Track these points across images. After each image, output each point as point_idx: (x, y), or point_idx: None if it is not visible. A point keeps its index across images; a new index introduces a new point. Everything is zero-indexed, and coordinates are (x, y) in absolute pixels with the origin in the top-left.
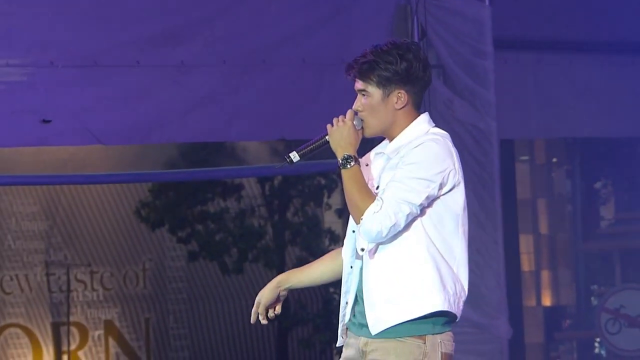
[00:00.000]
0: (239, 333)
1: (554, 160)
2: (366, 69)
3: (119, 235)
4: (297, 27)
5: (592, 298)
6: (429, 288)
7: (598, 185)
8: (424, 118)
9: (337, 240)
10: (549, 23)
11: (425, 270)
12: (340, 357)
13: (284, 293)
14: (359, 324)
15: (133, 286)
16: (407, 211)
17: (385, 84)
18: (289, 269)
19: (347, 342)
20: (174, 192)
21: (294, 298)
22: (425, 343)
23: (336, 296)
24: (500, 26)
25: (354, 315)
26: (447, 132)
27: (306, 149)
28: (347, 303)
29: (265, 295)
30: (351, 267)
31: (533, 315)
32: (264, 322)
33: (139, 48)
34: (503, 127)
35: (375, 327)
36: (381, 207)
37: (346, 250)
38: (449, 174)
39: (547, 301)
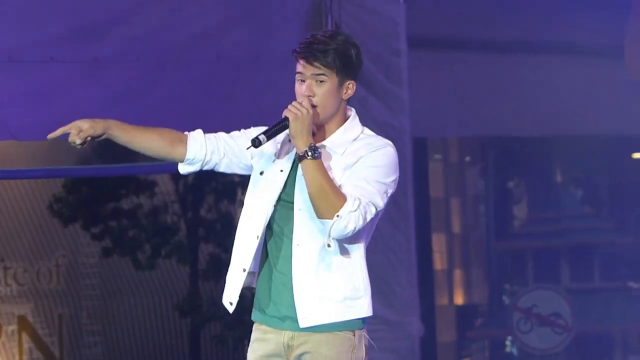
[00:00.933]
0: (152, 329)
1: (467, 159)
2: (329, 53)
3: (32, 231)
4: (211, 24)
5: (505, 297)
6: (364, 291)
7: (511, 184)
8: (355, 114)
9: None
10: (465, 22)
11: (361, 274)
12: (251, 349)
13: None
14: (282, 316)
15: (47, 282)
16: (373, 213)
17: (344, 72)
18: (202, 265)
19: (264, 337)
20: (88, 187)
21: (206, 294)
22: (354, 336)
23: (248, 293)
24: (416, 25)
25: (269, 306)
26: None
27: (270, 133)
28: (245, 272)
29: (96, 127)
30: (278, 251)
31: (445, 313)
32: (78, 141)
33: (53, 44)
34: (417, 125)
35: (305, 321)
36: (358, 206)
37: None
38: (396, 182)
39: (459, 300)
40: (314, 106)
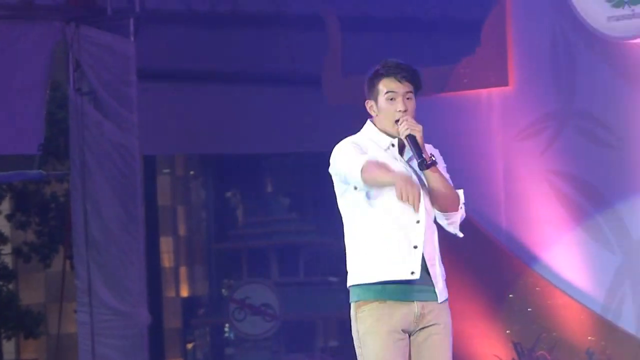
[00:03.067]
0: None
1: (192, 173)
2: (417, 76)
3: None
4: None
5: (223, 290)
6: None
7: (229, 194)
8: None
9: (5, 241)
10: (186, 56)
11: None
12: None
13: None
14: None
15: None
16: None
17: (418, 91)
18: None
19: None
20: None
21: None
22: None
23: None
24: (145, 58)
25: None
26: (98, 150)
27: (418, 153)
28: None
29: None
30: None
31: (172, 304)
32: None
33: None
34: (147, 144)
35: (443, 295)
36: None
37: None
38: None
39: (184, 293)
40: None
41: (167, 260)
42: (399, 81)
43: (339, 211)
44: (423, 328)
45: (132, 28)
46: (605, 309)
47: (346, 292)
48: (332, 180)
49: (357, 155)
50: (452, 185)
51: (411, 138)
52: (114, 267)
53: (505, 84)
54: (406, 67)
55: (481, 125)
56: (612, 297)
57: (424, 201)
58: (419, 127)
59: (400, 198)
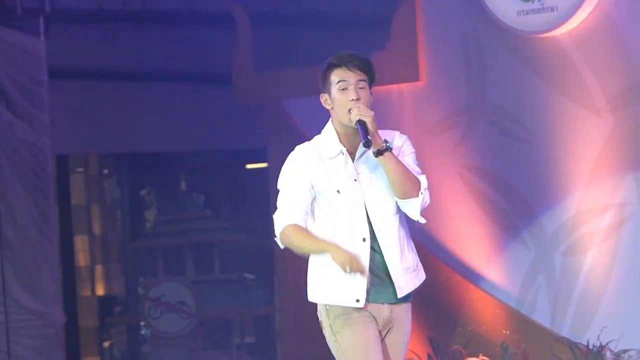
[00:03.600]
0: None
1: (106, 171)
2: (369, 65)
3: None
4: None
5: (139, 289)
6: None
7: (143, 192)
8: None
9: None
10: (98, 55)
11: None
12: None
13: None
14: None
15: None
16: None
17: (372, 82)
18: None
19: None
20: None
21: None
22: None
23: None
24: (57, 58)
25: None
26: (10, 150)
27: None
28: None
29: None
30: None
31: (88, 303)
32: None
33: None
34: (60, 143)
35: (404, 291)
36: (425, 183)
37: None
38: None
39: (100, 291)
40: None
41: (82, 259)
42: (350, 70)
43: (253, 207)
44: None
45: (42, 27)
46: (519, 302)
47: (261, 288)
48: (246, 177)
49: (286, 207)
50: (416, 171)
51: (361, 124)
52: (28, 267)
53: (416, 79)
54: (357, 56)
55: (392, 121)
56: (526, 291)
57: (378, 197)
58: (370, 113)
59: (345, 270)
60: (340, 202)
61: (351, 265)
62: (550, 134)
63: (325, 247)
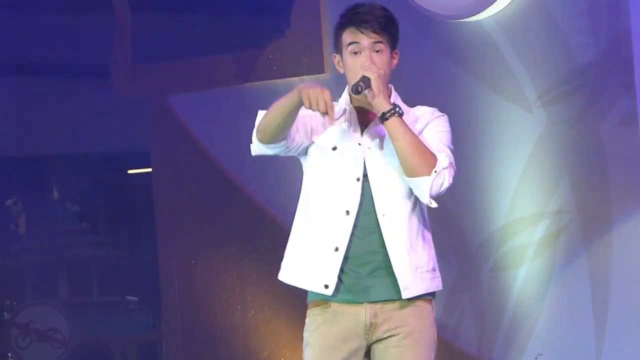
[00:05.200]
0: None
1: None
2: (388, 23)
3: None
4: None
5: (6, 313)
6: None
7: (9, 202)
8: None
9: None
10: None
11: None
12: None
13: None
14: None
15: None
16: (453, 175)
17: (395, 42)
18: None
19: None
20: None
21: None
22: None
23: None
24: None
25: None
26: None
27: (360, 85)
28: (338, 251)
29: None
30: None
31: None
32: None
33: None
34: None
35: (408, 292)
36: (449, 163)
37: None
38: None
39: None
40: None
41: None
42: (363, 32)
43: (136, 220)
44: (380, 340)
45: None
46: (442, 326)
47: (146, 312)
48: (128, 184)
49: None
50: (438, 148)
51: (364, 80)
52: None
53: (321, 71)
54: (374, 12)
55: None
56: (449, 313)
57: (378, 177)
58: (379, 71)
59: (309, 106)
60: (335, 160)
61: (316, 98)
62: (474, 133)
63: (292, 93)
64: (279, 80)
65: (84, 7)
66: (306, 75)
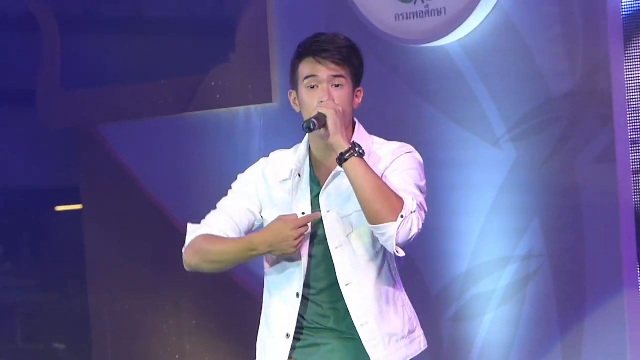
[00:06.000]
0: None
1: None
2: (350, 53)
3: None
4: None
5: None
6: (417, 322)
7: None
8: (359, 124)
9: None
10: None
11: (408, 301)
12: None
13: None
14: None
15: None
16: (424, 218)
17: (358, 77)
18: None
19: None
20: None
21: None
22: None
23: None
24: None
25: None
26: None
27: (315, 122)
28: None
29: None
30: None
31: None
32: None
33: None
34: None
35: None
36: (417, 206)
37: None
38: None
39: None
40: None
41: None
42: (321, 63)
43: (64, 261)
44: None
45: None
46: None
47: None
48: (55, 221)
49: (210, 219)
50: (407, 190)
51: (318, 117)
52: None
53: (269, 99)
54: (335, 41)
55: (240, 149)
56: None
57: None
58: (336, 107)
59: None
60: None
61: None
62: (437, 168)
63: (250, 237)
64: (221, 110)
65: (7, 26)
66: (252, 104)
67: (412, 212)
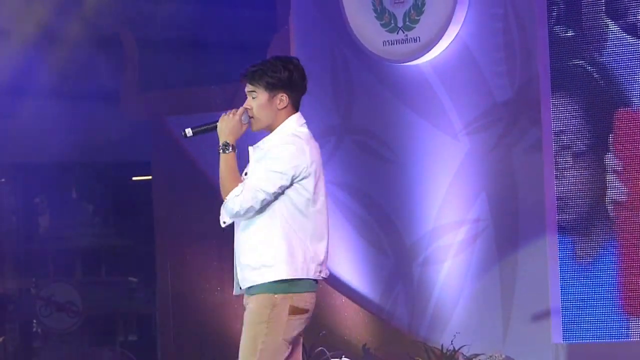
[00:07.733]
0: None
1: (2, 180)
2: (256, 75)
3: None
4: None
5: (32, 289)
6: (279, 259)
7: (37, 200)
8: (294, 118)
9: None
10: None
11: (276, 244)
12: None
13: None
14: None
15: None
16: (262, 197)
17: (272, 88)
18: None
19: None
20: None
21: None
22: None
23: None
24: None
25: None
26: None
27: (199, 128)
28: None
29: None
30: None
31: None
32: None
33: None
34: None
35: (242, 284)
36: (241, 191)
37: None
38: (301, 169)
39: None
40: (251, 117)
41: None
42: (242, 82)
43: (137, 217)
44: None
45: None
46: (380, 309)
47: (143, 290)
48: (132, 188)
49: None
50: (250, 182)
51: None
52: None
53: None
54: (249, 67)
55: None
56: (386, 298)
57: None
58: (228, 117)
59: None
60: None
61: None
62: (412, 154)
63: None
64: None
65: (101, 45)
66: None
67: (236, 196)
